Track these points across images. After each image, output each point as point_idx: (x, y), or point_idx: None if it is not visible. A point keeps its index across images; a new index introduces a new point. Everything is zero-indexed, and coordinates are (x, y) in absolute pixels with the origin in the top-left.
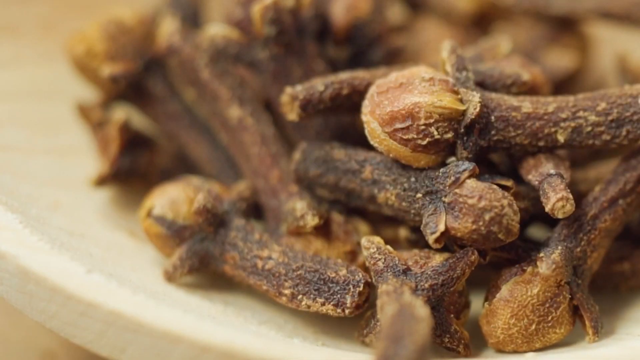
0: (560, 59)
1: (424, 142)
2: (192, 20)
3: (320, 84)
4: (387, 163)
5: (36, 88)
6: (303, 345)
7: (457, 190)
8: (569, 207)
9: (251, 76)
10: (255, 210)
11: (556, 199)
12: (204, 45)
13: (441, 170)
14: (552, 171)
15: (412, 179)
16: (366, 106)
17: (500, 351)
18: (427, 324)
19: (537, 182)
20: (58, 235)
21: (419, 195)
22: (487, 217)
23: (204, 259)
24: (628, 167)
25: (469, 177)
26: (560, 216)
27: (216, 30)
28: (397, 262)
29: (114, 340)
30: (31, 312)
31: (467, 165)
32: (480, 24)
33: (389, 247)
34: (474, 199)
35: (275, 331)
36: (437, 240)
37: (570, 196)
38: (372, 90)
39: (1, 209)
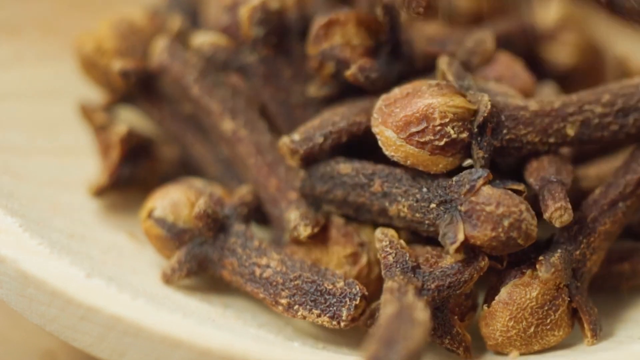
0: (558, 56)
1: (442, 143)
2: (192, 20)
3: (319, 135)
4: (396, 175)
5: (36, 88)
6: (303, 349)
7: (473, 199)
8: (567, 217)
9: (243, 81)
10: (259, 215)
11: (554, 208)
12: (192, 60)
13: (454, 179)
14: (553, 178)
15: (424, 189)
16: (376, 119)
17: (499, 353)
18: (423, 330)
19: (537, 187)
20: (58, 239)
21: (433, 205)
22: (506, 223)
23: (203, 263)
24: (628, 170)
25: (484, 184)
26: (557, 225)
27: (204, 38)
28: (407, 258)
29: (114, 344)
30: (31, 316)
31: (482, 173)
32: (480, 23)
33: (402, 241)
34: (491, 206)
35: (274, 334)
36: (457, 250)
37: (569, 206)
38: (379, 104)
39: (1, 213)
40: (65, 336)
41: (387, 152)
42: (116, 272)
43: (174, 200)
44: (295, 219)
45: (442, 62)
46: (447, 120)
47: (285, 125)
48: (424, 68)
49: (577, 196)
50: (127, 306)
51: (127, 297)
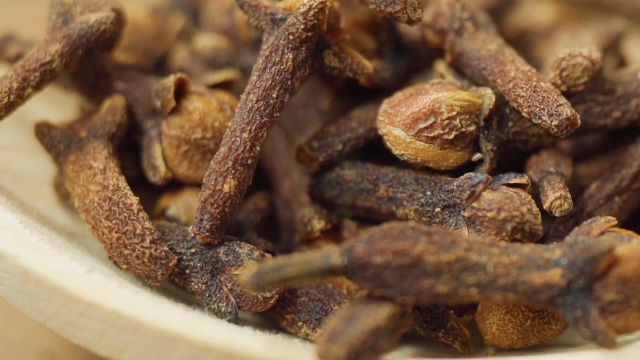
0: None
1: (451, 136)
2: (192, 19)
3: (338, 142)
4: (400, 179)
5: None
6: (303, 346)
7: (474, 204)
8: (567, 206)
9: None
10: (270, 222)
11: (554, 197)
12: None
13: (455, 183)
14: (552, 169)
15: (428, 193)
16: (382, 120)
17: (496, 347)
18: (388, 313)
19: (537, 179)
20: (58, 235)
21: (438, 209)
22: (509, 227)
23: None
24: (624, 164)
25: (484, 189)
26: (557, 214)
27: (205, 41)
28: None
29: (114, 340)
30: (31, 312)
31: (481, 177)
32: None
33: None
34: (492, 212)
35: (275, 331)
36: None
37: (569, 195)
38: (384, 107)
39: (1, 209)
40: (66, 333)
41: (397, 152)
42: (116, 268)
43: (189, 203)
44: (310, 213)
45: (440, 65)
46: (454, 113)
47: (286, 124)
48: (428, 57)
49: (575, 192)
50: (128, 302)
51: (127, 293)
